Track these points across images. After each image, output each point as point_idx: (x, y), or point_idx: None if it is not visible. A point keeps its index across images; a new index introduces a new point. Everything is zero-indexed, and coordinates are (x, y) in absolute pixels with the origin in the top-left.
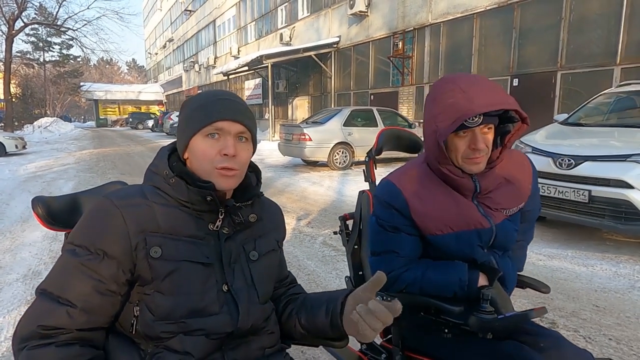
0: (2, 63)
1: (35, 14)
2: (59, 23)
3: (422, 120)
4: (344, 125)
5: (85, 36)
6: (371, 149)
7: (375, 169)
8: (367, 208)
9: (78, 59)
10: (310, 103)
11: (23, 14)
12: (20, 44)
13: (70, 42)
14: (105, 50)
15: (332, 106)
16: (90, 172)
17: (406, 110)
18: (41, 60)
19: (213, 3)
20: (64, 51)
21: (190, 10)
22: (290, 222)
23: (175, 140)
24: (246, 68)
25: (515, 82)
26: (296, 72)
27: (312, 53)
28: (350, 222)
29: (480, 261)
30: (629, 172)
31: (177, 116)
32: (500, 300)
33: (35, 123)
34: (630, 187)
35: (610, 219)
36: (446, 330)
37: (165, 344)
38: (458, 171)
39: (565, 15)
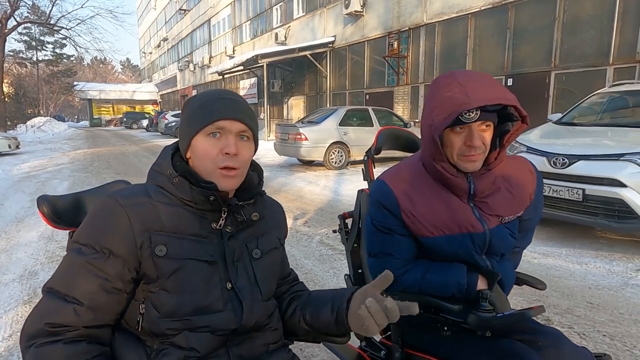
0: None
1: (28, 12)
2: (52, 22)
3: (417, 120)
4: (340, 124)
5: (79, 35)
6: (370, 148)
7: (374, 167)
8: (366, 207)
9: (71, 58)
10: (306, 103)
11: (16, 12)
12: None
13: (64, 41)
14: (99, 50)
15: (328, 106)
16: (84, 171)
17: (401, 109)
18: (34, 59)
19: (208, 2)
20: (57, 50)
21: (184, 10)
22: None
23: (179, 139)
24: (241, 67)
25: (510, 82)
26: (291, 72)
27: (307, 53)
28: (349, 221)
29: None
30: (622, 171)
31: (172, 116)
32: (498, 301)
33: (28, 123)
34: (623, 185)
35: (603, 217)
36: (445, 328)
37: (171, 341)
38: (453, 169)
39: (559, 15)
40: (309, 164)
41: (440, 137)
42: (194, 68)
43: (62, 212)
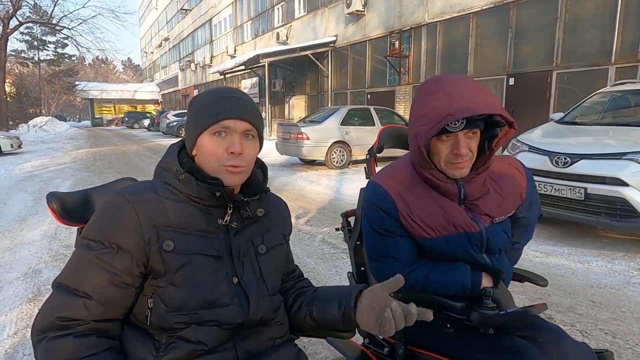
0: None
1: (30, 12)
2: (54, 22)
3: None
4: (341, 124)
5: (80, 35)
6: (372, 146)
7: (377, 166)
8: (361, 210)
9: (73, 58)
10: (307, 102)
11: (18, 12)
12: (15, 43)
13: (65, 41)
14: (100, 49)
15: (329, 105)
16: (87, 171)
17: (403, 109)
18: (36, 59)
19: (209, 2)
20: (59, 50)
21: (186, 9)
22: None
23: (185, 137)
24: (243, 67)
25: (511, 81)
26: (293, 71)
27: (308, 52)
28: (352, 219)
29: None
30: (624, 170)
31: (173, 115)
32: (502, 298)
33: (30, 122)
34: (625, 184)
35: (605, 216)
36: (448, 325)
37: (179, 334)
38: (442, 176)
39: (560, 15)
40: (310, 163)
41: (427, 145)
42: (196, 68)
43: (71, 208)
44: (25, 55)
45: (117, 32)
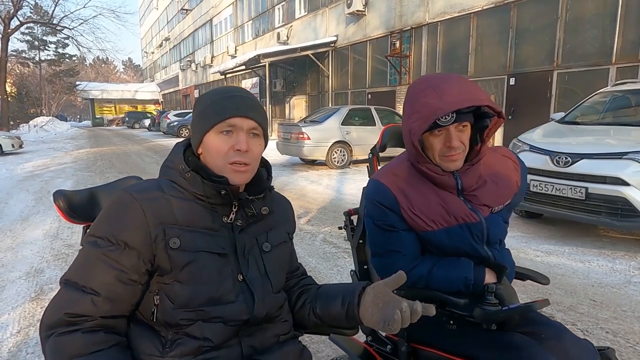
0: None
1: (31, 12)
2: (54, 22)
3: None
4: (342, 124)
5: (81, 35)
6: (375, 145)
7: (379, 165)
8: (363, 208)
9: (74, 58)
10: (308, 102)
11: (19, 12)
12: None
13: (66, 41)
14: (101, 49)
15: (330, 105)
16: (88, 171)
17: None
18: (37, 59)
19: (209, 2)
20: (60, 50)
21: (186, 9)
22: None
23: (190, 135)
24: (243, 67)
25: (512, 81)
26: (293, 71)
27: (309, 52)
28: (354, 218)
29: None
30: (624, 170)
31: (174, 115)
32: (506, 293)
33: (31, 122)
34: (626, 184)
35: (606, 216)
36: (451, 322)
37: (185, 331)
38: (437, 169)
39: (561, 14)
40: (311, 163)
41: (421, 140)
42: (196, 68)
43: (77, 206)
44: (26, 55)
45: (118, 32)
